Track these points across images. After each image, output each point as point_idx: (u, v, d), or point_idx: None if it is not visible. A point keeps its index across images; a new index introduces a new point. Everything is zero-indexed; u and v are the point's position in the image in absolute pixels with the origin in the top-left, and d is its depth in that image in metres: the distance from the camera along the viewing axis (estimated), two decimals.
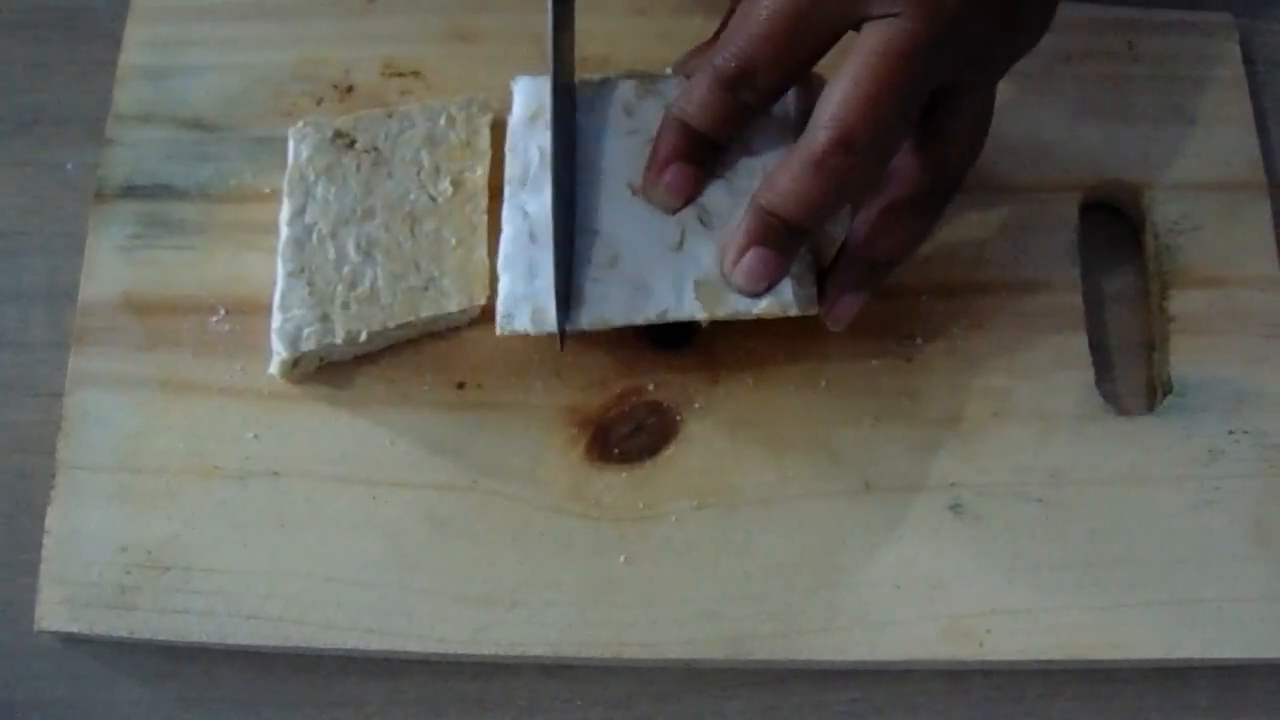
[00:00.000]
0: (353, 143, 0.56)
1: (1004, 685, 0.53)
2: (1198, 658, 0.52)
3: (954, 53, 0.47)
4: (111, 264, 0.56)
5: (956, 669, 0.53)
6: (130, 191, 0.57)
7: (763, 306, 0.51)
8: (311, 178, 0.55)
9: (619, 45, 0.60)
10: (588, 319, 0.51)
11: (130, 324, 0.55)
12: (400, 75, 0.60)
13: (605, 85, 0.54)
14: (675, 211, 0.52)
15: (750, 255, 0.50)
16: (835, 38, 0.48)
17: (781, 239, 0.50)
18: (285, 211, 0.55)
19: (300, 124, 0.56)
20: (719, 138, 0.51)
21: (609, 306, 0.51)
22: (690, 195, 0.52)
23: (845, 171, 0.47)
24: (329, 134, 0.56)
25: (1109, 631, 0.52)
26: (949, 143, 0.50)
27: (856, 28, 0.47)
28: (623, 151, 0.53)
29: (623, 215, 0.52)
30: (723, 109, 0.50)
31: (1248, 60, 0.62)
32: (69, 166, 0.60)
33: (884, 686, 0.53)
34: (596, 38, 0.59)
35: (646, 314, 0.51)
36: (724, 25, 0.52)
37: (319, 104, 0.59)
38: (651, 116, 0.53)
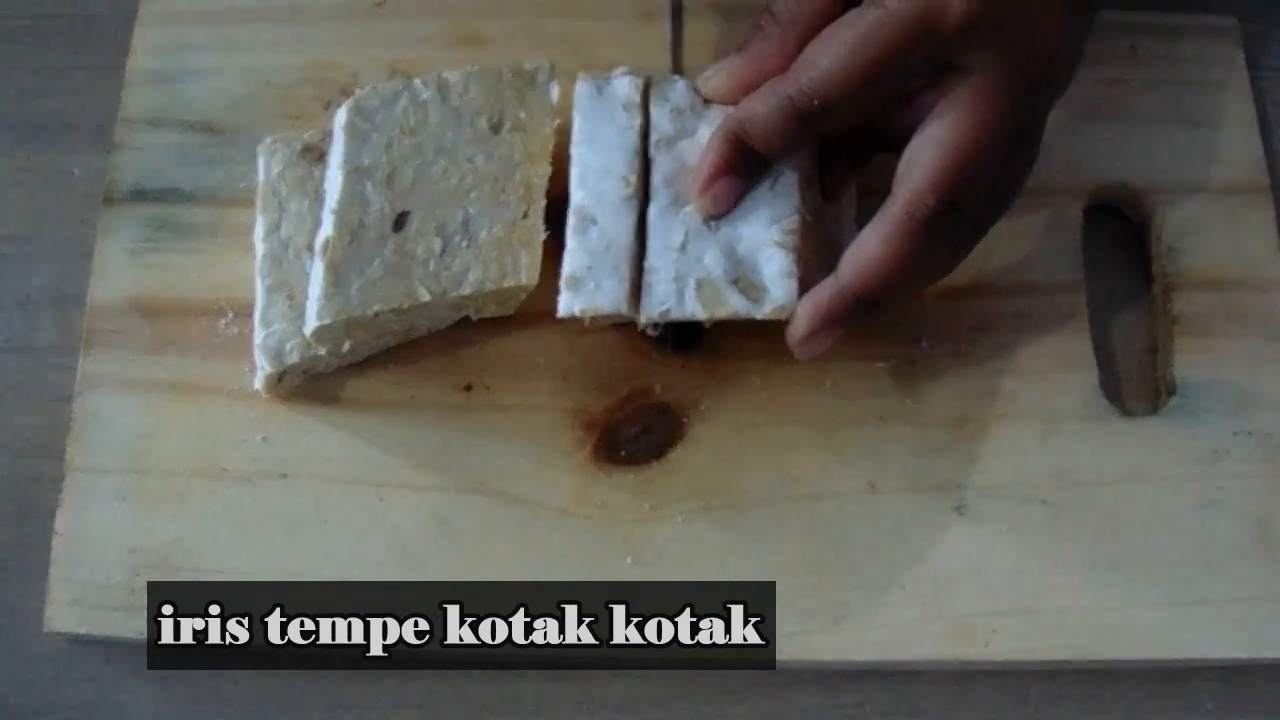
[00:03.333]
0: (321, 155, 0.55)
1: (1008, 686, 0.53)
2: (1202, 658, 0.52)
3: (1039, 97, 0.48)
4: (120, 267, 0.56)
5: (961, 669, 0.53)
6: (139, 195, 0.58)
7: (766, 310, 0.51)
8: (284, 193, 0.55)
9: (629, 50, 0.60)
10: (580, 305, 0.51)
11: (139, 327, 0.55)
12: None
13: (606, 83, 0.54)
14: (716, 219, 0.52)
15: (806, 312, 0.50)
16: (917, 78, 0.48)
17: (859, 311, 0.50)
18: (260, 228, 0.55)
19: (268, 140, 0.56)
20: (774, 158, 0.51)
21: (603, 296, 0.51)
22: (732, 206, 0.52)
23: (950, 231, 0.49)
24: (297, 148, 0.56)
25: (1113, 632, 0.52)
26: (1015, 172, 0.51)
27: (941, 70, 0.48)
28: (622, 149, 0.53)
29: (624, 212, 0.52)
30: (790, 136, 0.50)
31: (1251, 64, 0.62)
32: (76, 171, 0.60)
33: (889, 687, 0.53)
34: (603, 42, 0.60)
35: (648, 312, 0.51)
36: (752, 36, 0.52)
37: (326, 107, 0.59)
38: (652, 114, 0.53)
